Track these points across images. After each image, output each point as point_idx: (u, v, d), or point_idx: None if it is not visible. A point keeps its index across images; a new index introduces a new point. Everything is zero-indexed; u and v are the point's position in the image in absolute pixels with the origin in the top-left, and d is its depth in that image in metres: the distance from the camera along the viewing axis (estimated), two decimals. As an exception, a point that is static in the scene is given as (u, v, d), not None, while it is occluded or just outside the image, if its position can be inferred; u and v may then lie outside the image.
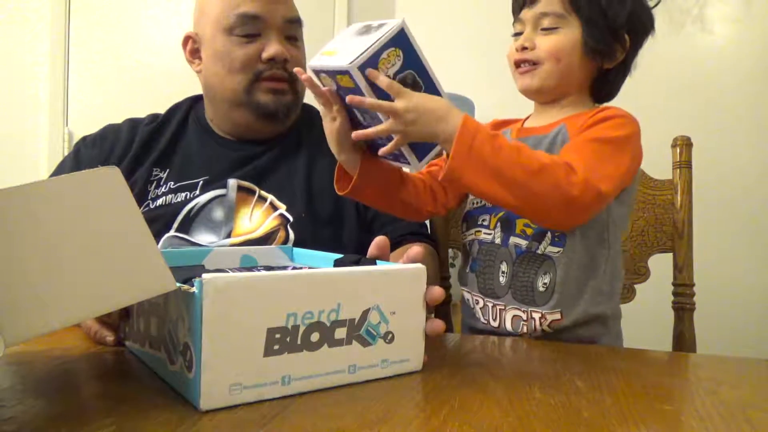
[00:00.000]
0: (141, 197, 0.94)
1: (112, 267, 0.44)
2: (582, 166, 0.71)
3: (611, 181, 0.74)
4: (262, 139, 1.01)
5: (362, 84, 0.64)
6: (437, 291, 0.58)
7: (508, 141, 0.70)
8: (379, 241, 0.64)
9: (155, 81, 2.04)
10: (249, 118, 0.97)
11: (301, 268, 0.70)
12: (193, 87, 1.14)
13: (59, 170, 1.02)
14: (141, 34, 2.14)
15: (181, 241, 0.90)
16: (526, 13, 0.82)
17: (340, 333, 0.51)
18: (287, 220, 0.93)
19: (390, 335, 0.55)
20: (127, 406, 0.48)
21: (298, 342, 0.49)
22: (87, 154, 1.00)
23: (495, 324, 0.85)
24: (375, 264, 0.61)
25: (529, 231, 0.81)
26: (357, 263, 0.62)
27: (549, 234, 0.80)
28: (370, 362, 0.54)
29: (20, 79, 2.11)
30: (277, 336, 0.48)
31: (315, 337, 0.50)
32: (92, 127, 1.08)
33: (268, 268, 0.71)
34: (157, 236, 0.90)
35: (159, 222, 0.91)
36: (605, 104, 0.88)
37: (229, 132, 1.02)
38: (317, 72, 0.69)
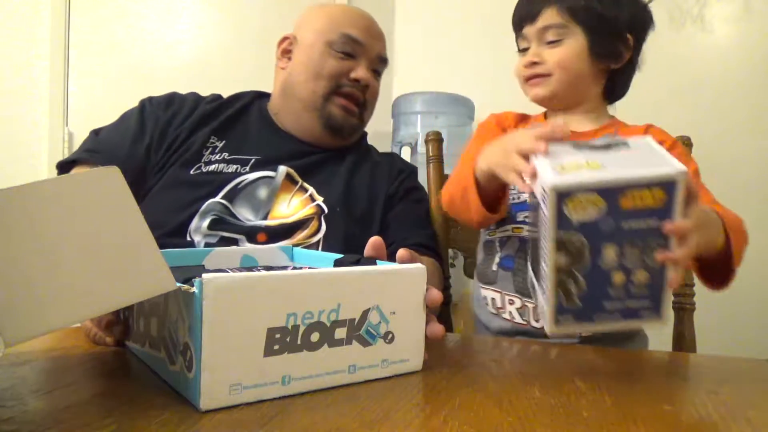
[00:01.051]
0: (195, 158, 0.98)
1: (112, 267, 0.44)
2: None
3: None
4: (317, 145, 1.07)
5: (677, 201, 0.52)
6: (435, 294, 0.58)
7: (725, 214, 0.72)
8: (373, 241, 0.63)
9: (156, 81, 2.04)
10: (316, 125, 1.04)
11: (301, 268, 0.70)
12: (194, 86, 1.14)
13: (122, 121, 1.04)
14: (141, 33, 2.13)
15: (223, 208, 0.94)
16: (529, 30, 0.84)
17: (340, 333, 0.51)
18: (322, 210, 0.98)
19: (390, 335, 0.55)
20: (127, 406, 0.48)
21: (298, 342, 0.49)
22: (152, 112, 1.04)
23: (538, 325, 0.83)
24: (375, 264, 0.61)
25: None
26: (357, 263, 0.62)
27: None
28: (370, 362, 0.54)
29: (20, 79, 2.11)
30: (277, 336, 0.48)
31: (315, 337, 0.50)
32: (92, 127, 1.07)
33: (269, 269, 0.71)
34: (203, 199, 0.94)
35: (207, 186, 0.95)
36: (649, 123, 0.92)
37: (289, 128, 1.07)
38: (570, 193, 0.53)
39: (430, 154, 1.18)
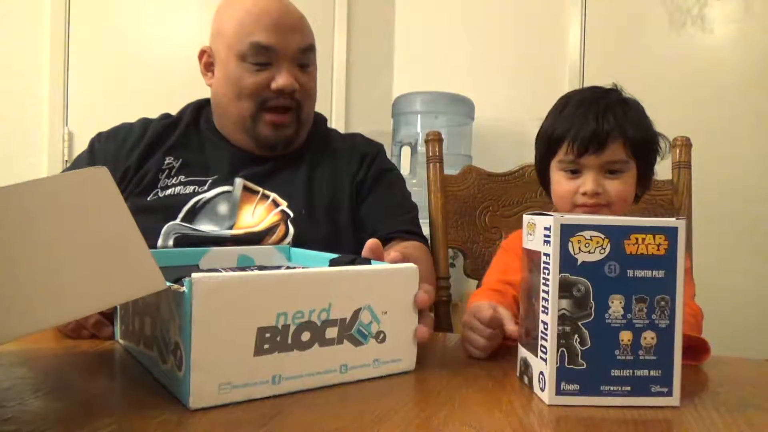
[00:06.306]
0: (151, 184, 0.97)
1: (102, 266, 0.43)
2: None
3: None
4: (268, 156, 1.04)
5: (679, 247, 0.53)
6: (422, 296, 0.57)
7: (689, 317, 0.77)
8: (371, 244, 0.63)
9: (155, 80, 2.04)
10: (250, 144, 1.01)
11: (296, 267, 0.70)
12: (193, 86, 1.14)
13: (75, 167, 1.02)
14: (141, 33, 2.14)
15: (184, 228, 0.93)
16: (592, 160, 0.83)
17: (331, 332, 0.51)
18: (288, 215, 0.96)
19: (382, 335, 0.54)
20: (126, 406, 0.47)
21: (289, 341, 0.49)
22: (101, 148, 1.02)
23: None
24: (369, 264, 0.61)
25: None
26: (352, 263, 0.62)
27: None
28: (362, 362, 0.53)
29: (20, 79, 2.11)
30: (267, 335, 0.47)
31: (306, 336, 0.49)
32: (92, 127, 1.08)
33: (262, 268, 0.71)
34: (162, 223, 0.93)
35: (166, 211, 0.93)
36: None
37: (236, 143, 1.04)
38: (575, 230, 0.52)
39: (430, 154, 1.18)
